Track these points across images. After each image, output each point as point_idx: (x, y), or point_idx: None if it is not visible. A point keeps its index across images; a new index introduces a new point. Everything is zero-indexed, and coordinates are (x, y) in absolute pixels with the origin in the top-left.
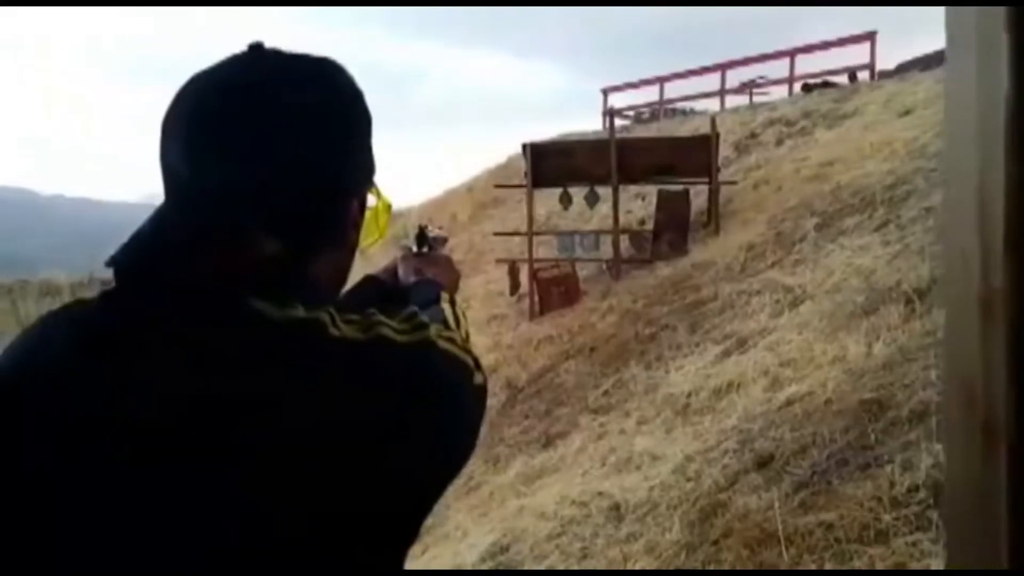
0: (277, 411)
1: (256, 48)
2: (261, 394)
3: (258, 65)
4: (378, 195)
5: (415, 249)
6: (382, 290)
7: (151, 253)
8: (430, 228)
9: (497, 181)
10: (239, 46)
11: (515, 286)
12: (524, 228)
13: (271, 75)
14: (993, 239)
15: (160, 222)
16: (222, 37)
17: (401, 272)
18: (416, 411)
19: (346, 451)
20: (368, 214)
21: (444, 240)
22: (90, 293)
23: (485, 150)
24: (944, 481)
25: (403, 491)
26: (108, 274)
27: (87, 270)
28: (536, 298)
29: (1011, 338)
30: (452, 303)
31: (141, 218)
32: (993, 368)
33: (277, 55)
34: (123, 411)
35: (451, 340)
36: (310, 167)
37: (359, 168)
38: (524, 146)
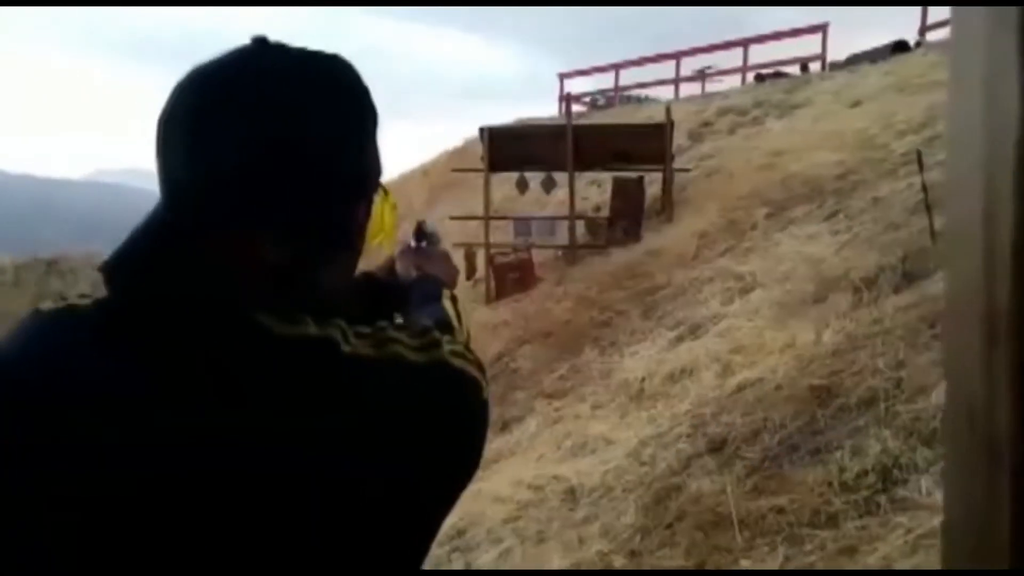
0: (285, 433)
1: (261, 42)
2: (270, 420)
3: (261, 59)
4: (385, 194)
5: (413, 244)
6: (382, 288)
7: (147, 262)
8: (428, 223)
9: (454, 164)
10: (184, 15)
11: (471, 271)
12: (480, 212)
13: (274, 69)
14: (998, 259)
15: (157, 227)
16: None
17: (400, 268)
18: (427, 433)
19: (355, 472)
20: (373, 213)
21: (441, 235)
22: (34, 275)
23: (442, 133)
24: (943, 500)
25: (412, 511)
26: (51, 254)
27: (31, 251)
28: (492, 283)
29: (1014, 359)
30: (453, 300)
31: (85, 196)
32: (995, 388)
33: (283, 50)
34: (119, 438)
35: (462, 355)
36: (316, 165)
37: (368, 169)
38: (481, 130)
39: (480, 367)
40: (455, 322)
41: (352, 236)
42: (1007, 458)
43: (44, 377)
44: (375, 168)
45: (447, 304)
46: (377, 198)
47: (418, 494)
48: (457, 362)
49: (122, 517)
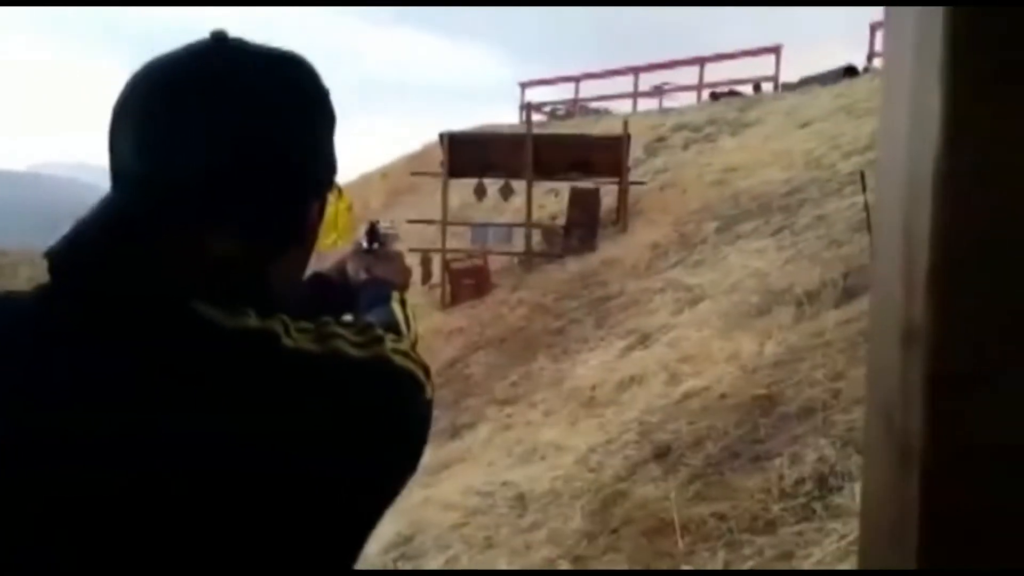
0: (224, 426)
1: (219, 37)
2: (205, 408)
3: (220, 55)
4: (340, 194)
5: (365, 246)
6: (331, 289)
7: (92, 249)
8: (381, 224)
9: (413, 168)
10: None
11: (427, 276)
12: (438, 217)
13: (234, 65)
14: (915, 274)
15: (105, 215)
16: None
17: (351, 269)
18: (366, 429)
19: (292, 466)
20: (327, 213)
21: (395, 237)
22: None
23: (402, 136)
24: (861, 495)
25: (348, 506)
26: (1, 245)
27: None
28: (448, 288)
29: (927, 370)
30: (403, 303)
31: (27, 189)
32: (909, 392)
33: (241, 45)
34: (54, 417)
35: (405, 354)
36: (273, 162)
37: (323, 166)
38: (441, 135)
39: (424, 368)
40: (403, 325)
41: (303, 234)
42: (918, 456)
43: None
44: (330, 168)
45: (395, 307)
46: (332, 198)
47: (354, 490)
48: (398, 359)
49: (60, 514)
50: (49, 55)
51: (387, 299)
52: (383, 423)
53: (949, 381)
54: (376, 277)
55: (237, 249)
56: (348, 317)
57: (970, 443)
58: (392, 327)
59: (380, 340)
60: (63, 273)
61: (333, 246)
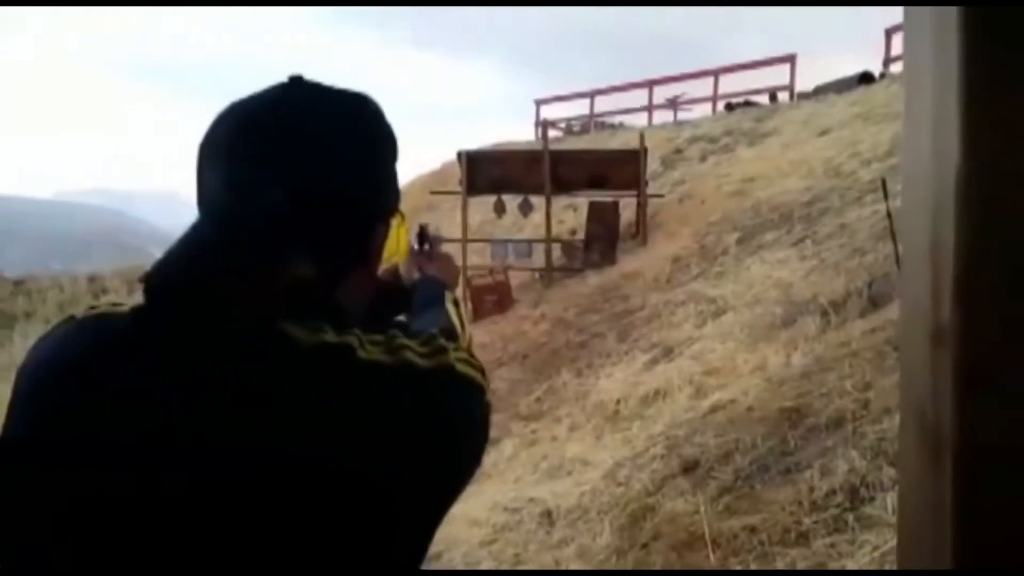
0: (311, 434)
1: (296, 80)
2: (293, 418)
3: (297, 95)
4: (402, 219)
5: (416, 247)
6: (388, 290)
7: (185, 274)
8: (430, 227)
9: (431, 187)
10: (170, 36)
11: (456, 277)
12: (458, 235)
13: (308, 105)
14: (942, 280)
15: (196, 243)
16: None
17: (404, 270)
18: (436, 433)
19: (370, 469)
20: (390, 234)
21: (441, 239)
22: (1, 294)
23: (419, 155)
24: (897, 488)
25: (418, 510)
26: (14, 273)
27: None
28: (470, 305)
29: (956, 366)
30: (456, 303)
31: (50, 215)
32: (940, 391)
33: (315, 87)
34: (147, 433)
35: (467, 361)
36: (346, 193)
37: (388, 194)
38: (459, 154)
39: (481, 370)
40: (458, 327)
41: (370, 256)
42: (950, 448)
43: (80, 378)
44: (394, 196)
45: (450, 307)
46: (394, 222)
47: (426, 490)
48: (461, 367)
49: (151, 516)
50: (64, 78)
51: (441, 298)
52: (451, 428)
53: (977, 379)
54: (428, 276)
55: (312, 272)
56: (401, 317)
57: (998, 439)
58: (450, 330)
59: (444, 350)
60: (158, 296)
61: (390, 261)
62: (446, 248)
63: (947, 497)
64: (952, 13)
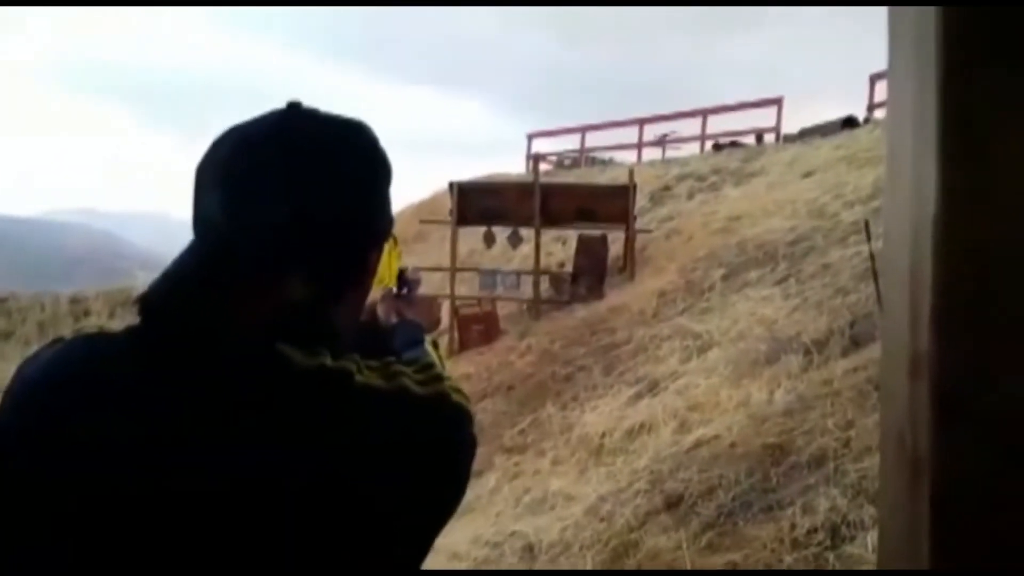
0: (305, 455)
1: (294, 106)
2: (288, 439)
3: (295, 122)
4: (395, 243)
5: (395, 291)
6: (366, 330)
7: (181, 294)
8: (410, 270)
9: (421, 216)
10: (152, 58)
11: (436, 322)
12: (447, 264)
13: (305, 131)
14: (921, 313)
15: (193, 264)
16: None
17: (381, 312)
18: (428, 458)
19: (363, 491)
20: (383, 258)
21: (419, 282)
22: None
23: (408, 185)
24: (876, 508)
25: (412, 532)
26: (12, 290)
27: None
28: (456, 335)
29: (933, 394)
30: (435, 345)
31: (38, 233)
32: (918, 417)
33: (313, 113)
34: (144, 450)
35: (459, 391)
36: (339, 216)
37: (383, 218)
38: (451, 184)
39: (468, 402)
40: (439, 367)
41: (364, 279)
42: (927, 473)
43: (76, 391)
44: (388, 221)
45: (430, 349)
46: (387, 246)
47: (417, 513)
48: (455, 396)
49: (145, 525)
50: (53, 98)
51: (420, 341)
52: (445, 453)
53: (953, 406)
54: (407, 320)
55: (307, 293)
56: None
57: (974, 464)
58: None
59: (440, 379)
60: (154, 315)
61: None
62: (428, 283)
63: (925, 518)
64: (931, 57)
